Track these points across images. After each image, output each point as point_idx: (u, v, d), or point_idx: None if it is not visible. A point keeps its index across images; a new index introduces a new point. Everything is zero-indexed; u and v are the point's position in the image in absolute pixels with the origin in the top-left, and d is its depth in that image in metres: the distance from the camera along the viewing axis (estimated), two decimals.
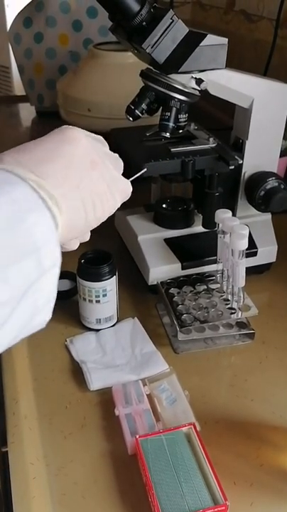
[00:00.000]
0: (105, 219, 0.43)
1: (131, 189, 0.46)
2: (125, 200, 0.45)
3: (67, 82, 1.04)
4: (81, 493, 0.48)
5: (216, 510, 0.43)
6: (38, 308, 0.34)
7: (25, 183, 0.34)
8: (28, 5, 1.35)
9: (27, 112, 1.55)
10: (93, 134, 0.44)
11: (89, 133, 0.43)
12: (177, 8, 1.52)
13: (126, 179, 0.45)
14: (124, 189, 0.45)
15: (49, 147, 0.39)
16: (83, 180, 0.39)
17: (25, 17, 1.33)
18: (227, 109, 0.77)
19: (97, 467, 0.50)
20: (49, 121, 1.38)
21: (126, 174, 0.50)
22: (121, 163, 0.45)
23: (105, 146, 0.44)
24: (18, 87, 2.23)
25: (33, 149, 0.39)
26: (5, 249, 0.31)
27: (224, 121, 1.23)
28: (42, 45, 1.32)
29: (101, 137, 0.45)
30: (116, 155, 0.46)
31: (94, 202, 0.40)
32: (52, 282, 0.35)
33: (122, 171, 0.45)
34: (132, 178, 0.50)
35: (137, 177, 0.53)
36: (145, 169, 0.55)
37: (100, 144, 0.44)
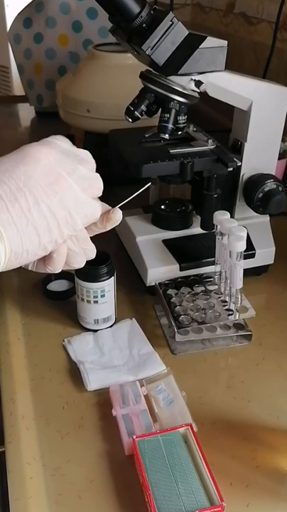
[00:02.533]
0: (64, 241, 0.41)
1: (99, 213, 0.43)
2: (90, 223, 0.43)
3: (66, 82, 1.04)
4: (78, 493, 0.48)
5: (212, 511, 0.43)
6: None
7: None
8: (28, 5, 1.35)
9: (26, 112, 1.56)
10: (74, 149, 0.42)
11: (65, 148, 0.41)
12: (176, 10, 1.52)
13: (96, 203, 0.42)
14: (92, 213, 0.42)
15: (4, 167, 0.37)
16: (37, 203, 0.37)
17: (25, 17, 1.34)
18: (226, 112, 0.77)
19: (94, 467, 0.50)
20: (48, 121, 1.39)
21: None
22: (98, 185, 0.42)
23: (84, 164, 0.41)
24: (18, 87, 2.23)
25: None
26: None
27: (223, 123, 1.23)
28: (42, 45, 1.32)
29: (86, 153, 0.43)
30: (96, 175, 0.43)
31: (49, 226, 0.38)
32: None
33: (100, 193, 0.43)
34: (137, 193, 0.49)
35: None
36: (149, 183, 0.53)
37: (74, 163, 0.41)
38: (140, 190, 0.51)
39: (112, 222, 0.48)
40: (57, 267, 0.45)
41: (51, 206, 0.38)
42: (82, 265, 0.47)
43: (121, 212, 0.48)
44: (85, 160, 0.42)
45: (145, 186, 0.52)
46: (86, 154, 0.43)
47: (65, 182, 0.39)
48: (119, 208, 0.48)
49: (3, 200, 0.36)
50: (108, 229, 0.48)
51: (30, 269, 0.46)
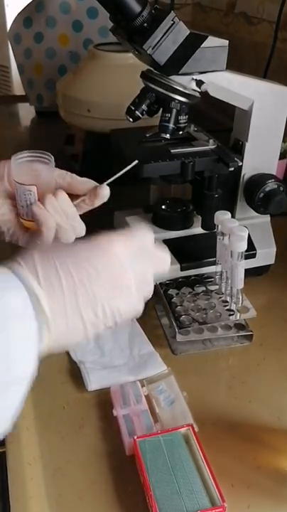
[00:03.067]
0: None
1: (141, 311, 0.42)
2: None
3: (66, 82, 1.04)
4: (78, 493, 0.48)
5: (214, 511, 0.43)
6: None
7: (23, 292, 0.34)
8: (28, 5, 1.35)
9: (26, 112, 1.55)
10: (152, 248, 0.43)
11: (145, 245, 0.42)
12: (177, 9, 1.52)
13: (142, 302, 0.42)
14: (136, 313, 0.42)
15: (78, 258, 0.38)
16: (96, 302, 0.37)
17: (26, 17, 1.33)
18: (227, 111, 0.77)
19: (95, 468, 0.50)
20: (48, 121, 1.38)
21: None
22: (151, 288, 0.42)
23: (155, 265, 0.42)
24: (18, 87, 2.22)
25: (56, 257, 0.37)
26: None
27: (224, 123, 1.23)
28: (42, 45, 1.32)
29: (164, 253, 0.44)
30: (163, 253, 0.43)
31: (98, 323, 0.38)
32: (16, 397, 0.33)
33: (149, 296, 0.42)
34: (125, 170, 0.51)
35: (129, 171, 0.54)
36: (136, 161, 0.54)
37: (145, 266, 0.41)
38: (127, 168, 0.53)
39: (100, 197, 0.51)
40: (46, 242, 0.47)
41: (106, 307, 0.38)
42: (71, 241, 0.50)
43: (108, 188, 0.51)
44: (160, 260, 0.43)
45: (133, 164, 0.55)
46: (164, 255, 0.44)
47: (126, 290, 0.39)
48: (107, 184, 0.51)
49: (63, 291, 0.36)
50: (96, 205, 0.51)
51: (20, 244, 0.50)
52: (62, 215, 0.48)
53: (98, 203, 0.51)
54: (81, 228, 0.51)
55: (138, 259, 0.40)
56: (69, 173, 0.53)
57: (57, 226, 0.48)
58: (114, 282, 0.38)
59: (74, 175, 0.53)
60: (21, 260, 0.37)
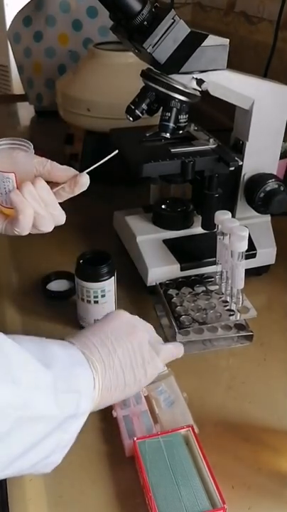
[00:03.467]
0: (148, 382, 0.49)
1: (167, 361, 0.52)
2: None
3: (66, 81, 1.03)
4: (78, 495, 0.47)
5: None
6: (59, 446, 0.41)
7: (88, 367, 0.44)
8: (27, 4, 1.35)
9: (25, 111, 1.55)
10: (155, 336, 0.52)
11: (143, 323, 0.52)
12: (177, 9, 1.51)
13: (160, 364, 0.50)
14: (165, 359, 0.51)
15: (120, 346, 0.47)
16: (121, 346, 0.47)
17: (25, 16, 1.33)
18: (227, 111, 0.77)
19: (95, 469, 0.50)
20: (48, 120, 1.38)
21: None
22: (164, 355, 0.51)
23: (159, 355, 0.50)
24: (17, 86, 2.22)
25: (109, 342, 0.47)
26: (62, 381, 0.41)
27: (224, 122, 1.23)
28: (41, 44, 1.32)
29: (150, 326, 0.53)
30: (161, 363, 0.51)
31: (131, 364, 0.47)
32: (76, 429, 0.43)
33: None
34: (106, 158, 0.52)
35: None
36: (116, 151, 0.55)
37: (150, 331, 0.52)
38: (108, 157, 0.53)
39: (79, 185, 0.51)
40: (23, 229, 0.49)
41: (130, 348, 0.47)
42: (50, 229, 0.51)
43: (87, 176, 0.52)
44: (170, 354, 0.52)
45: (113, 153, 0.54)
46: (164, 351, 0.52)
47: (152, 361, 0.49)
48: (87, 173, 0.51)
49: (95, 346, 0.46)
50: (76, 193, 0.52)
51: None
52: (40, 203, 0.49)
53: (78, 191, 0.51)
54: (60, 216, 0.51)
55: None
56: (49, 160, 0.53)
57: (35, 214, 0.49)
58: (127, 332, 0.49)
59: (54, 162, 0.53)
60: (80, 346, 0.46)
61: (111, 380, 0.45)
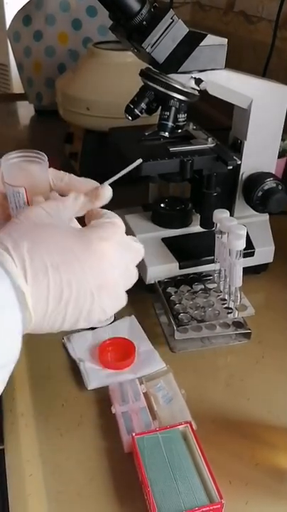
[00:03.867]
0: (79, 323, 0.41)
1: (124, 305, 0.44)
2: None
3: (66, 80, 1.04)
4: (77, 490, 0.48)
5: (211, 508, 0.43)
6: None
7: (7, 283, 0.36)
8: (27, 3, 1.35)
9: (25, 110, 1.55)
10: (130, 241, 0.45)
11: (124, 241, 0.44)
12: (176, 8, 1.52)
13: (125, 296, 0.44)
14: (119, 306, 0.44)
15: (63, 259, 0.38)
16: (82, 300, 0.39)
17: (25, 15, 1.33)
18: (225, 110, 0.77)
19: (93, 465, 0.50)
20: (48, 119, 1.38)
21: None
22: (135, 280, 0.45)
23: (135, 259, 0.44)
24: (17, 85, 2.22)
25: (47, 252, 0.38)
26: None
27: (222, 121, 1.23)
28: (41, 43, 1.32)
29: (140, 247, 0.46)
30: (137, 244, 0.45)
31: (78, 318, 0.40)
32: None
33: (131, 285, 0.45)
34: (128, 169, 0.50)
35: (132, 171, 0.52)
36: (140, 160, 0.53)
37: (127, 261, 0.44)
38: (131, 167, 0.51)
39: (101, 199, 0.47)
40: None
41: (92, 309, 0.40)
42: None
43: (110, 189, 0.48)
44: (138, 254, 0.45)
45: (137, 162, 0.52)
46: (140, 248, 0.45)
47: (114, 289, 0.41)
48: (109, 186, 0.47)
49: (49, 290, 0.37)
50: (96, 206, 0.47)
51: None
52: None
53: (99, 204, 0.47)
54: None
55: (121, 252, 0.42)
56: (67, 173, 0.50)
57: None
58: (103, 284, 0.40)
59: (72, 175, 0.50)
60: (11, 248, 0.37)
61: (47, 323, 0.39)
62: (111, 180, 0.49)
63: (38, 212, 0.42)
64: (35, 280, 0.37)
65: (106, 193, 0.47)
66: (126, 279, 0.43)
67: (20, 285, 0.36)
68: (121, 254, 0.42)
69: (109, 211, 0.46)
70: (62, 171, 0.51)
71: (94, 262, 0.39)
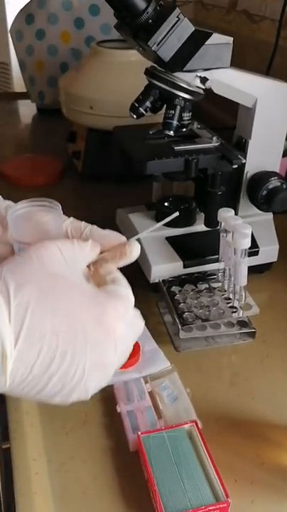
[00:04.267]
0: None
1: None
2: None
3: (69, 79, 1.04)
4: (82, 489, 0.48)
5: (218, 507, 0.43)
6: None
7: None
8: (30, 2, 1.35)
9: (27, 109, 1.55)
10: (135, 319, 0.39)
11: (131, 318, 0.38)
12: (179, 7, 1.51)
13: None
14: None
15: (67, 324, 0.32)
16: (71, 375, 0.33)
17: (28, 14, 1.33)
18: (229, 109, 0.77)
19: (98, 463, 0.50)
20: (50, 118, 1.38)
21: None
22: (139, 330, 0.40)
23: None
24: (18, 84, 2.22)
25: (52, 312, 0.32)
26: None
27: (226, 121, 1.23)
28: (43, 42, 1.32)
29: (140, 325, 0.40)
30: (140, 321, 0.39)
31: (73, 390, 0.34)
32: None
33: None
34: (164, 222, 0.44)
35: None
36: (177, 213, 0.47)
37: (131, 322, 0.38)
38: (168, 219, 0.45)
39: (127, 258, 0.41)
40: None
41: (78, 387, 0.34)
42: None
43: (138, 246, 0.41)
44: (139, 332, 0.40)
45: (173, 215, 0.46)
46: (141, 326, 0.40)
47: (107, 370, 0.36)
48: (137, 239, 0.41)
49: (38, 356, 0.32)
50: (121, 265, 0.41)
51: None
52: None
53: (124, 263, 0.41)
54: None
55: (127, 331, 0.37)
56: (88, 224, 0.42)
57: None
58: (99, 363, 0.35)
59: (94, 227, 0.42)
60: (12, 294, 0.31)
61: (26, 383, 0.32)
62: (140, 235, 0.42)
63: (52, 252, 0.35)
64: (25, 344, 0.31)
65: (134, 251, 0.41)
66: (120, 358, 0.38)
67: (5, 348, 0.30)
68: (126, 333, 0.37)
69: (123, 277, 0.40)
70: (82, 222, 0.43)
71: (99, 339, 0.34)
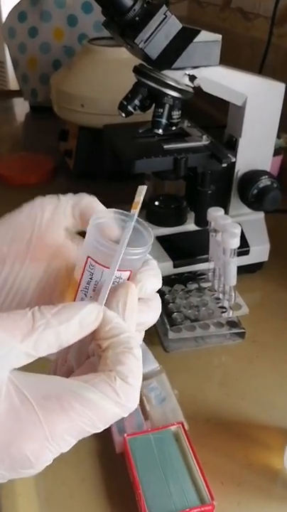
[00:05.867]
0: None
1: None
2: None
3: (60, 77, 1.03)
4: (68, 491, 0.47)
5: (202, 509, 0.43)
6: None
7: None
8: None
9: (21, 107, 1.54)
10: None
11: None
12: (173, 4, 1.51)
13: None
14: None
15: None
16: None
17: (20, 11, 1.32)
18: (221, 107, 0.76)
19: (85, 466, 0.50)
20: (43, 116, 1.37)
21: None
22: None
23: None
24: (14, 82, 2.21)
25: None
26: None
27: (219, 119, 1.23)
28: (36, 39, 1.31)
29: None
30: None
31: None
32: None
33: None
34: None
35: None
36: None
37: None
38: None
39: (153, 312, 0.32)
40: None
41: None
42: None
43: (159, 301, 0.33)
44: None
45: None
46: None
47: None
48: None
49: None
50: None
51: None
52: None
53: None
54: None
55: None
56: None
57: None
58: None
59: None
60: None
61: None
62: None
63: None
64: None
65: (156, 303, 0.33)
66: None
67: None
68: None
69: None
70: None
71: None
